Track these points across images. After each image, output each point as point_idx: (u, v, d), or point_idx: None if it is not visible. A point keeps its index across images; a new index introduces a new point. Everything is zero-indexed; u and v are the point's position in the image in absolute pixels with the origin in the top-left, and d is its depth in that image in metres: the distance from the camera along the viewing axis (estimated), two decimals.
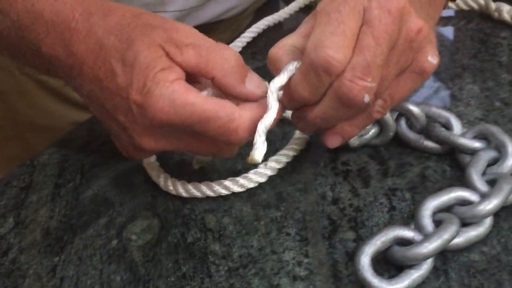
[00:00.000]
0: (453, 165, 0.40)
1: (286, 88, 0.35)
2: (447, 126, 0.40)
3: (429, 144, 0.40)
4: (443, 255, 0.33)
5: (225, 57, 0.34)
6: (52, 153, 0.48)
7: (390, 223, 0.36)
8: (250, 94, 0.35)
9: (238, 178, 0.40)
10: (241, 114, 0.34)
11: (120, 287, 0.35)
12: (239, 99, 0.35)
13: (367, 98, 0.33)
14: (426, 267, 0.31)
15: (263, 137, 0.34)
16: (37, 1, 0.36)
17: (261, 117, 0.34)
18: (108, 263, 0.37)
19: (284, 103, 0.36)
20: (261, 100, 0.35)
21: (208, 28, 0.59)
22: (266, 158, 0.40)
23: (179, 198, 0.41)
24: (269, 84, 0.35)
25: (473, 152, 0.38)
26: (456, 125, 0.39)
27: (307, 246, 0.36)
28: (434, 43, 0.35)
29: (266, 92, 0.35)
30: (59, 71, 0.37)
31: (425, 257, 0.31)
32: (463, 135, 0.39)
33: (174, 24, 0.35)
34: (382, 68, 0.33)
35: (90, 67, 0.34)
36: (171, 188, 0.41)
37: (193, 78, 0.36)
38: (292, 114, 0.38)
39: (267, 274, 0.34)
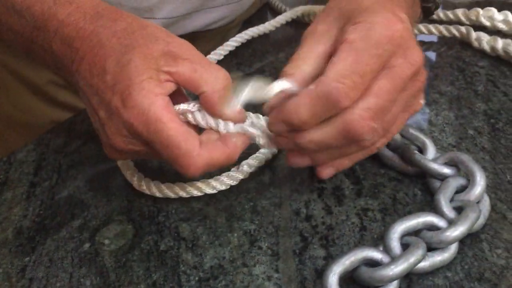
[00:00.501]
0: (423, 189, 0.41)
1: (279, 110, 0.35)
2: (422, 150, 0.41)
3: (401, 164, 0.42)
4: (408, 278, 0.34)
5: (217, 76, 0.36)
6: (29, 150, 0.48)
7: (361, 242, 0.37)
8: (228, 118, 0.37)
9: (210, 180, 0.41)
10: (199, 154, 0.35)
11: None
12: (219, 117, 0.37)
13: (369, 138, 0.35)
14: None
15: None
16: (54, 4, 0.38)
17: (217, 160, 0.36)
18: (79, 267, 0.37)
19: (272, 124, 0.37)
20: (227, 142, 0.37)
21: (195, 37, 0.60)
22: (238, 162, 0.41)
23: (155, 205, 0.41)
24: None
25: (443, 178, 0.39)
26: (431, 150, 0.41)
27: (277, 261, 0.36)
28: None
29: (242, 120, 0.37)
30: (65, 69, 0.38)
31: (391, 279, 0.32)
32: (434, 160, 0.40)
33: (177, 39, 0.36)
34: (390, 110, 0.35)
35: (88, 63, 0.36)
36: (144, 187, 0.41)
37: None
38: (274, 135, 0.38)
39: (236, 287, 0.35)
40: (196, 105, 0.37)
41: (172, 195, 0.41)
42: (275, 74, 0.56)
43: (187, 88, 0.36)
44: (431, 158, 0.40)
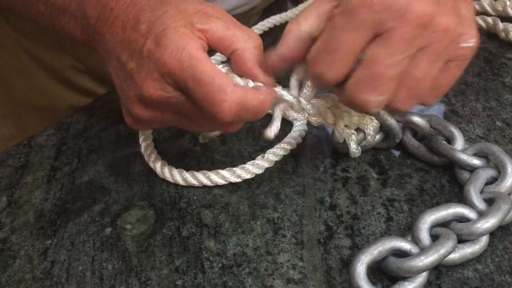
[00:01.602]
0: (451, 180, 0.40)
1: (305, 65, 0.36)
2: (450, 140, 0.40)
3: (428, 154, 0.41)
4: (437, 269, 0.34)
5: (250, 35, 0.35)
6: (49, 135, 0.48)
7: (387, 233, 0.36)
8: (259, 78, 0.36)
9: (235, 169, 0.40)
10: (233, 91, 0.33)
11: (111, 275, 0.35)
12: (249, 77, 0.36)
13: (376, 108, 0.34)
14: (420, 280, 0.32)
15: (278, 120, 0.36)
16: None
17: (250, 102, 0.34)
18: (101, 251, 0.37)
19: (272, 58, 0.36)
20: (258, 88, 0.35)
21: None
22: (263, 151, 0.41)
23: (176, 191, 0.41)
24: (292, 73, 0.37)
25: (471, 169, 0.38)
26: (459, 140, 0.40)
27: (302, 250, 0.36)
28: (469, 28, 0.34)
29: (272, 83, 0.36)
30: (94, 33, 0.38)
31: (420, 270, 0.31)
32: (463, 151, 0.39)
33: (209, 3, 0.36)
34: (401, 78, 0.33)
35: (121, 20, 0.35)
36: (167, 175, 0.40)
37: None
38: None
39: (260, 275, 0.34)
40: (226, 67, 0.36)
41: (195, 183, 0.40)
42: None
43: (218, 48, 0.35)
44: (460, 149, 0.39)
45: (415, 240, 0.33)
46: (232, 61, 0.36)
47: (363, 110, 0.35)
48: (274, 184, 0.41)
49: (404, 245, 0.33)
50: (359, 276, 0.31)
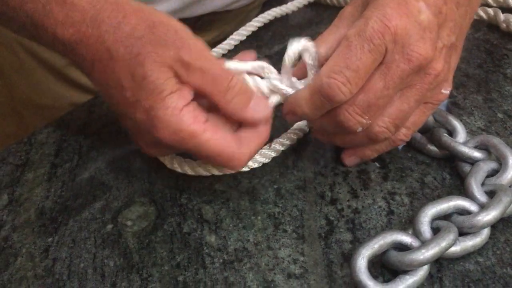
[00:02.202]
0: (452, 173, 0.40)
1: (289, 101, 0.37)
2: (452, 133, 0.40)
3: (430, 147, 0.41)
4: (439, 262, 0.34)
5: (230, 86, 0.35)
6: (49, 132, 0.48)
7: (388, 227, 0.36)
8: (252, 120, 0.36)
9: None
10: (241, 153, 0.35)
11: (113, 272, 0.35)
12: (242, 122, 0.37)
13: (360, 129, 0.36)
14: (421, 273, 0.32)
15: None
16: (47, 2, 0.34)
17: (260, 147, 0.37)
18: (102, 247, 0.37)
19: (285, 115, 0.38)
20: (262, 126, 0.37)
21: (214, 18, 0.59)
22: (270, 140, 0.41)
23: (177, 187, 0.41)
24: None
25: (473, 161, 0.38)
26: (461, 133, 0.40)
27: (303, 245, 0.36)
28: (450, 76, 0.38)
29: (270, 114, 0.37)
30: (75, 64, 0.37)
31: (421, 264, 0.31)
32: (464, 143, 0.39)
33: (187, 41, 0.34)
34: (384, 106, 0.36)
35: (99, 72, 0.34)
36: (176, 165, 0.40)
37: None
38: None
39: (261, 270, 0.34)
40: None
41: (205, 173, 0.40)
42: None
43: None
44: (462, 141, 0.39)
45: (416, 233, 0.33)
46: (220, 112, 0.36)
47: (349, 129, 0.36)
48: (274, 179, 0.41)
49: (405, 238, 0.33)
50: (360, 270, 0.31)
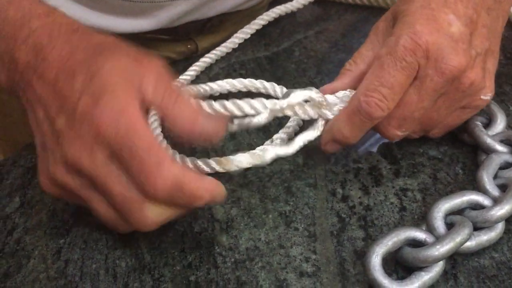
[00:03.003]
0: (465, 168, 0.39)
1: (327, 130, 0.39)
2: (491, 122, 0.40)
3: (461, 131, 0.41)
4: (453, 259, 0.33)
5: (182, 108, 0.33)
6: None
7: (400, 223, 0.36)
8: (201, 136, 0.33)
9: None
10: (169, 168, 0.31)
11: (125, 273, 0.35)
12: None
13: (398, 139, 0.39)
14: (437, 269, 0.31)
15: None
16: (29, 13, 0.35)
17: (187, 185, 0.31)
18: (114, 248, 0.37)
19: (325, 145, 0.39)
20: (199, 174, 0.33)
21: (223, 19, 0.59)
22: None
23: None
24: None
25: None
26: (498, 125, 0.40)
27: (315, 243, 0.35)
28: (490, 82, 0.38)
29: (223, 124, 0.34)
30: (20, 79, 0.35)
31: (437, 260, 0.31)
32: (492, 135, 0.38)
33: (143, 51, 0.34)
34: (420, 117, 0.37)
35: (54, 70, 0.33)
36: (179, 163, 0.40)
37: None
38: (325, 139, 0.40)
39: (274, 268, 0.34)
40: None
41: (208, 170, 0.39)
42: (304, 53, 0.54)
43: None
44: (494, 133, 0.39)
45: (430, 229, 0.33)
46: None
47: (389, 138, 0.39)
48: (285, 177, 0.40)
49: (419, 234, 0.32)
50: (374, 268, 0.31)
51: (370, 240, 0.35)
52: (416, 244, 0.32)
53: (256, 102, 0.36)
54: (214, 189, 0.32)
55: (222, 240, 0.36)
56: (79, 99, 0.31)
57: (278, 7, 0.59)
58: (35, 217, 0.40)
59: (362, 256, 0.34)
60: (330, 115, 0.38)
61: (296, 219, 0.37)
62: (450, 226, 0.33)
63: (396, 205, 0.37)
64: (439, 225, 0.32)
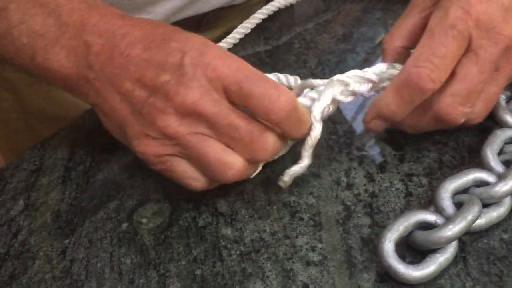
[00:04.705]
0: (472, 151, 0.39)
1: (372, 105, 0.37)
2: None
3: None
4: (462, 241, 0.33)
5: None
6: (62, 136, 0.48)
7: (407, 209, 0.35)
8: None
9: None
10: (286, 89, 0.34)
11: (130, 270, 0.35)
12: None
13: (462, 120, 0.36)
14: (451, 250, 0.31)
15: (307, 158, 0.36)
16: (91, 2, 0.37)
17: (300, 107, 0.35)
18: (119, 246, 0.36)
19: (369, 122, 0.38)
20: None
21: (220, 15, 0.58)
22: None
23: None
24: (313, 107, 0.36)
25: None
26: None
27: (321, 232, 0.35)
28: None
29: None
30: (94, 62, 0.36)
31: (450, 240, 0.30)
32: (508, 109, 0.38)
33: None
34: (482, 91, 0.36)
35: (139, 43, 0.34)
36: None
37: None
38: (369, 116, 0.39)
39: (280, 259, 0.34)
40: None
41: None
42: (304, 45, 0.54)
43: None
44: None
45: (439, 210, 0.32)
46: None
47: (449, 122, 0.36)
48: (288, 167, 0.40)
49: (429, 217, 0.32)
50: (388, 254, 0.30)
51: (377, 227, 0.35)
52: (426, 227, 0.32)
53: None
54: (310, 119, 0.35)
55: (227, 233, 0.36)
56: (184, 54, 0.33)
57: (277, 0, 0.58)
58: (40, 218, 0.40)
59: (369, 243, 0.34)
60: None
61: (301, 209, 0.37)
62: (458, 206, 0.32)
63: (402, 191, 0.37)
64: (448, 205, 0.32)
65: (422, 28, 0.37)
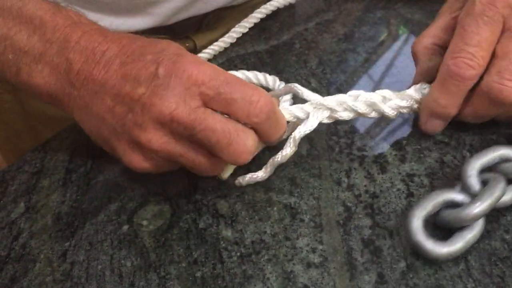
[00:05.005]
0: (473, 150, 0.38)
1: (423, 106, 0.38)
2: None
3: None
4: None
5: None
6: (63, 138, 0.48)
7: (408, 209, 0.35)
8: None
9: None
10: (264, 91, 0.34)
11: (131, 272, 0.35)
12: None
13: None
14: (478, 228, 0.31)
15: (267, 172, 0.38)
16: (78, 19, 0.38)
17: (276, 105, 0.35)
18: (119, 248, 0.36)
19: (425, 124, 0.39)
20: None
21: (220, 15, 0.58)
22: None
23: (190, 183, 0.40)
24: (296, 131, 0.37)
25: None
26: None
27: (321, 233, 0.35)
28: None
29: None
30: (73, 77, 0.36)
31: (478, 217, 0.31)
32: None
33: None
34: None
35: (117, 58, 0.35)
36: None
37: None
38: (424, 119, 0.40)
39: (280, 261, 0.34)
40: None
41: None
42: (305, 45, 0.54)
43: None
44: None
45: (465, 188, 0.33)
46: None
47: (503, 100, 0.35)
48: (289, 169, 0.40)
49: (457, 196, 0.32)
50: (417, 231, 0.31)
51: (378, 227, 0.34)
52: (453, 205, 0.32)
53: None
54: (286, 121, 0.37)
55: (227, 235, 0.36)
56: (158, 65, 0.33)
57: (276, 0, 0.58)
58: (40, 221, 0.40)
59: (369, 244, 0.34)
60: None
61: (301, 211, 0.37)
62: (483, 184, 0.32)
63: (403, 191, 0.36)
64: (475, 182, 0.32)
65: (453, 27, 0.38)
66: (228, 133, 0.33)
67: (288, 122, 0.37)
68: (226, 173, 0.39)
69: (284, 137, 0.38)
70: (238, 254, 0.34)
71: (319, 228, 0.35)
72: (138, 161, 0.35)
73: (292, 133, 0.37)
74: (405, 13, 0.56)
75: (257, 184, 0.39)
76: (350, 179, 0.38)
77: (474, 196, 0.32)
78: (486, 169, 0.33)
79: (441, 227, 0.33)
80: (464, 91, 0.36)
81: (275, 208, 0.37)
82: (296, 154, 0.41)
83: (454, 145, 0.39)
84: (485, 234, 0.32)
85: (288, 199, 0.37)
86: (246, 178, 0.38)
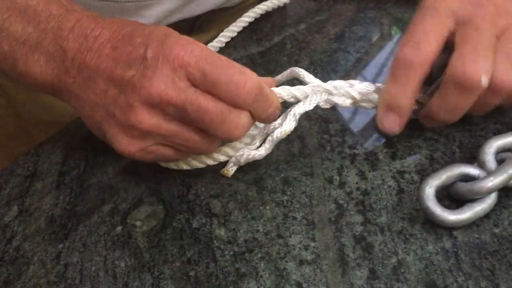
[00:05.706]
0: (462, 147, 0.39)
1: (379, 101, 0.38)
2: None
3: None
4: (453, 237, 0.33)
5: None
6: (56, 141, 0.48)
7: (399, 206, 0.36)
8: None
9: (234, 143, 0.40)
10: (251, 73, 0.34)
11: (125, 273, 0.35)
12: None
13: (484, 80, 0.34)
14: (489, 202, 0.32)
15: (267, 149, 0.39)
16: (71, 6, 0.38)
17: (266, 89, 0.36)
18: (113, 250, 0.36)
19: (379, 118, 0.39)
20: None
21: (213, 17, 0.58)
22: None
23: (184, 184, 0.40)
24: (296, 106, 0.38)
25: None
26: None
27: (313, 230, 0.35)
28: None
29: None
30: (69, 64, 0.37)
31: (490, 191, 0.32)
32: None
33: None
34: (494, 48, 0.35)
35: (109, 43, 0.35)
36: (171, 163, 0.40)
37: None
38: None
39: (273, 258, 0.34)
40: None
41: (200, 165, 0.40)
42: (296, 45, 0.54)
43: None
44: None
45: (481, 165, 0.34)
46: None
47: (467, 82, 0.35)
48: (281, 168, 0.40)
49: (472, 170, 0.33)
50: (428, 197, 0.32)
51: (369, 224, 0.35)
52: (468, 180, 0.33)
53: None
54: (277, 101, 0.37)
55: (221, 234, 0.36)
56: (146, 48, 0.33)
57: (265, 2, 0.59)
58: (34, 224, 0.40)
59: (361, 240, 0.34)
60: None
61: (294, 209, 0.37)
62: (499, 163, 0.33)
63: (394, 188, 0.37)
64: (490, 159, 0.33)
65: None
66: (221, 111, 0.34)
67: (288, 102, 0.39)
68: (231, 171, 0.40)
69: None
70: (231, 252, 0.35)
71: (311, 225, 0.35)
72: (126, 144, 0.36)
73: (292, 109, 0.38)
74: (395, 13, 0.57)
75: (249, 183, 0.39)
76: (342, 176, 0.39)
77: (489, 173, 0.33)
78: (503, 152, 0.34)
79: (456, 201, 0.34)
80: (413, 79, 0.36)
81: (267, 207, 0.37)
82: (288, 153, 0.41)
83: (443, 142, 0.40)
84: (475, 228, 0.33)
85: (280, 198, 0.38)
86: (244, 156, 0.38)
